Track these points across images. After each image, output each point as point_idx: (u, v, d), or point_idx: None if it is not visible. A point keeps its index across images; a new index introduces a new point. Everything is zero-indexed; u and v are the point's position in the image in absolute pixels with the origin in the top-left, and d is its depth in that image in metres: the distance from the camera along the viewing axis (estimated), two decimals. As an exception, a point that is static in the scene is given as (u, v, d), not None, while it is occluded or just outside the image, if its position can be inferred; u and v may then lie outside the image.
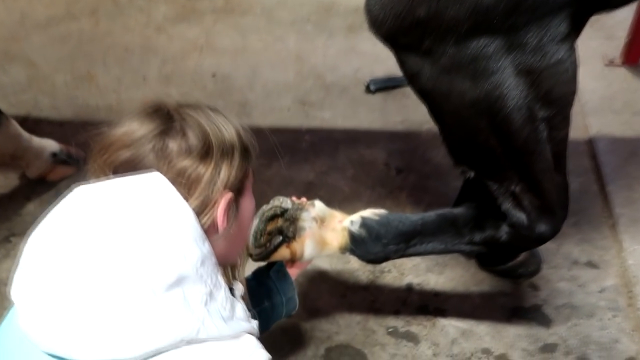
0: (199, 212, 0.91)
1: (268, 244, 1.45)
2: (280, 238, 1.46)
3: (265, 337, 1.08)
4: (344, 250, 1.58)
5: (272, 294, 1.50)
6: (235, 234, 1.01)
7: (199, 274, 0.85)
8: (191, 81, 3.06)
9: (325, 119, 2.83)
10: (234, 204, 0.99)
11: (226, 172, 0.96)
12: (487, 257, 2.17)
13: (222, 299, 0.90)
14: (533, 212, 1.47)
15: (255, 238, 1.45)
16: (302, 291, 2.05)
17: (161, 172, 0.90)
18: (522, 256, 2.13)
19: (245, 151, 1.01)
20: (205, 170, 0.93)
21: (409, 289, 2.12)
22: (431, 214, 1.61)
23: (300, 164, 2.55)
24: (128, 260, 0.80)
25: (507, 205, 1.48)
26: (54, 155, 2.29)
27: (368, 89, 3.01)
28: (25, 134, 2.22)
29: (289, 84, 3.02)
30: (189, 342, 0.83)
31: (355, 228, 1.56)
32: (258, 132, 1.08)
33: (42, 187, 2.31)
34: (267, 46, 3.27)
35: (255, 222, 1.44)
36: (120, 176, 0.90)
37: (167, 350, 0.81)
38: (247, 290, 1.21)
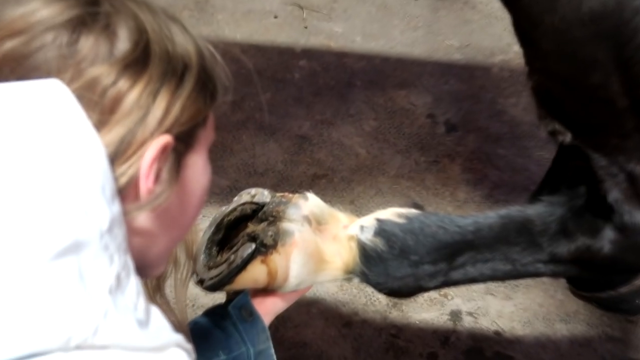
0: (115, 154, 0.94)
1: (231, 259, 1.47)
2: (253, 247, 1.47)
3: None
4: (350, 272, 1.59)
5: (232, 343, 1.51)
6: (169, 211, 1.04)
7: (103, 243, 0.89)
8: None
9: (335, 34, 2.80)
10: (175, 158, 1.02)
11: (166, 102, 0.98)
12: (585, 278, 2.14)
13: (132, 292, 0.93)
14: (658, 208, 1.46)
15: (209, 253, 1.49)
16: (282, 316, 1.94)
17: (63, 81, 0.92)
18: (640, 279, 2.14)
19: (206, 82, 1.05)
20: (130, 88, 0.95)
21: (455, 319, 2.15)
22: (491, 215, 1.63)
23: (289, 105, 2.53)
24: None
25: (616, 195, 1.48)
26: None
27: (408, -11, 2.99)
28: None
29: (279, -28, 3.00)
30: (80, 345, 0.85)
31: (368, 237, 1.58)
32: (223, 51, 1.12)
33: None
34: None
35: (209, 231, 1.49)
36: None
37: (46, 354, 0.83)
38: (189, 333, 1.23)
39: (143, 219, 1.01)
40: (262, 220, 1.51)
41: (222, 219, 1.51)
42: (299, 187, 2.39)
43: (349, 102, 2.60)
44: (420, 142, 2.55)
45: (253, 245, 1.47)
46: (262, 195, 1.53)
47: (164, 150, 0.98)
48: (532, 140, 2.49)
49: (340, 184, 2.34)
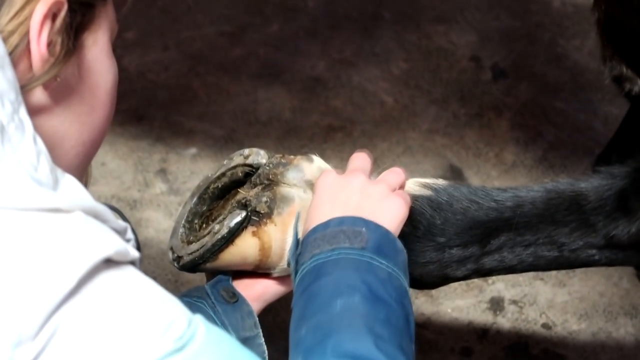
0: None
1: (215, 229, 1.48)
2: (243, 215, 1.47)
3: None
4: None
5: None
6: (73, 94, 1.11)
7: None
8: None
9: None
10: (70, 27, 1.07)
11: None
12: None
13: (28, 151, 0.99)
14: None
15: (189, 227, 1.52)
16: (283, 296, 1.87)
17: None
18: None
19: None
20: None
21: (496, 309, 2.14)
22: (535, 188, 1.62)
23: (300, 40, 2.50)
24: None
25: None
26: None
27: None
28: None
29: None
30: None
31: None
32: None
33: None
34: None
35: (190, 201, 1.54)
36: None
37: None
38: None
39: (41, 97, 1.06)
40: (255, 185, 1.50)
41: (207, 187, 1.52)
42: (310, 140, 2.40)
43: (374, 39, 2.56)
44: (461, 91, 2.49)
45: (243, 213, 1.46)
46: (258, 155, 1.52)
47: (56, 8, 1.02)
48: (599, 92, 2.42)
49: (360, 139, 2.33)
